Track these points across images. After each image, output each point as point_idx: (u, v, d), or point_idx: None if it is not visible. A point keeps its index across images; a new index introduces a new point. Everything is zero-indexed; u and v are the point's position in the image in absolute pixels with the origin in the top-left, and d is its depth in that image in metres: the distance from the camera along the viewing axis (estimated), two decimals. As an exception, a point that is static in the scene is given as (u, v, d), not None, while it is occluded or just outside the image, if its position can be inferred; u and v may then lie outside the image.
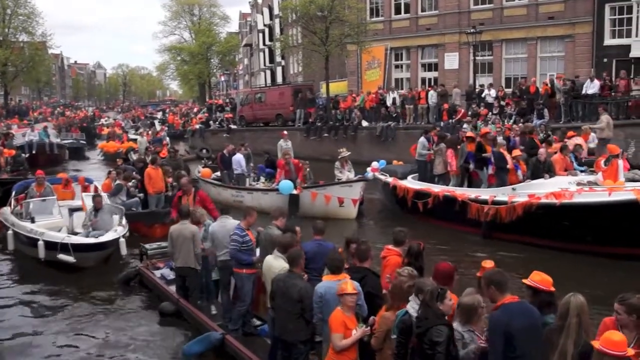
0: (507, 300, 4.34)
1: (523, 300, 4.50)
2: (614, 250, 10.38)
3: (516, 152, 13.10)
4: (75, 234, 11.52)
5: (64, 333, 8.30)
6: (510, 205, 11.53)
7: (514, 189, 12.03)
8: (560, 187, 11.17)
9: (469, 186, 13.42)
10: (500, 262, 9.58)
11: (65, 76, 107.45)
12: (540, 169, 12.10)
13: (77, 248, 10.41)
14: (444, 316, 4.49)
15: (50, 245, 10.57)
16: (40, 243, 10.65)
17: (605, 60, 23.98)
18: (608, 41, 24.12)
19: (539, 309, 4.47)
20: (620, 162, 11.24)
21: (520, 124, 18.44)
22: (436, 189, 13.56)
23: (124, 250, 10.80)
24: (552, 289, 4.61)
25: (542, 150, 12.59)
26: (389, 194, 15.34)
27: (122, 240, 10.76)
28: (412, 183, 14.58)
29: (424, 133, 15.92)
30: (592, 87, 20.57)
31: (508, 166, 12.64)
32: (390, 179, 15.08)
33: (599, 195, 10.60)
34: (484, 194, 12.46)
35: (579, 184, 11.33)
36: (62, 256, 10.35)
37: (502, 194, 12.03)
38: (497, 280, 4.44)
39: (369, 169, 16.21)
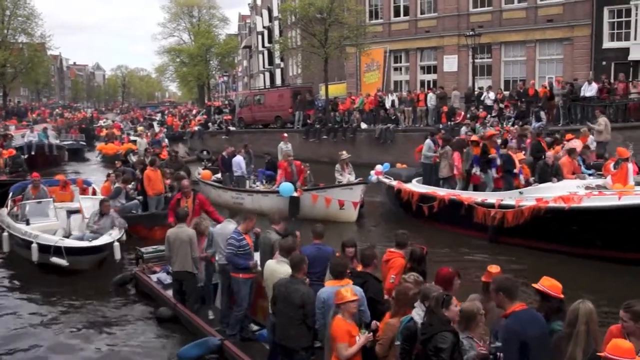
0: (517, 308, 4.28)
1: (530, 307, 4.44)
2: (624, 255, 10.21)
3: (520, 156, 13.00)
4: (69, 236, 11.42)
5: (58, 338, 8.19)
6: (518, 209, 11.38)
7: (521, 192, 11.90)
8: (568, 191, 11.03)
9: (474, 190, 13.30)
10: (507, 267, 9.41)
11: (64, 77, 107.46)
12: (547, 173, 11.97)
13: (71, 251, 10.31)
14: (449, 322, 4.43)
15: (44, 248, 10.49)
16: (34, 246, 10.57)
17: (603, 63, 24.00)
18: (607, 44, 24.16)
19: (547, 315, 4.42)
20: (630, 165, 11.13)
21: (517, 126, 18.47)
22: (441, 192, 13.41)
23: (118, 255, 10.69)
24: (562, 295, 4.55)
25: (549, 154, 12.44)
26: (393, 198, 15.19)
27: (116, 244, 10.66)
28: (417, 186, 14.44)
29: (430, 135, 15.80)
30: (589, 90, 20.58)
31: (515, 170, 12.50)
32: (394, 183, 14.92)
33: (609, 199, 10.43)
34: (490, 197, 12.31)
35: (587, 187, 11.18)
36: (54, 259, 10.27)
37: (509, 198, 11.90)
38: (506, 287, 4.36)
39: (372, 172, 16.09)
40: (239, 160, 17.16)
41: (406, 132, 25.16)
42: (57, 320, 8.85)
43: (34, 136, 27.31)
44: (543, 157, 12.80)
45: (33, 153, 25.63)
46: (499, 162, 12.88)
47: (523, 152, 14.33)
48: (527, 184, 12.50)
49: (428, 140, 15.24)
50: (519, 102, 22.48)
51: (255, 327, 7.51)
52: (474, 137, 14.48)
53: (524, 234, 11.41)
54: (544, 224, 11.06)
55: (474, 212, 12.23)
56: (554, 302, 4.50)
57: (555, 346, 4.11)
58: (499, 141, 14.53)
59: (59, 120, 45.13)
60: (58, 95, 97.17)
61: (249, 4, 70.06)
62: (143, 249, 10.31)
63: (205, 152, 28.29)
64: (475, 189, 13.35)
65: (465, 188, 13.44)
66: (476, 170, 13.27)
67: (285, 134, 21.51)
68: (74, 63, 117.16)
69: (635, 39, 22.81)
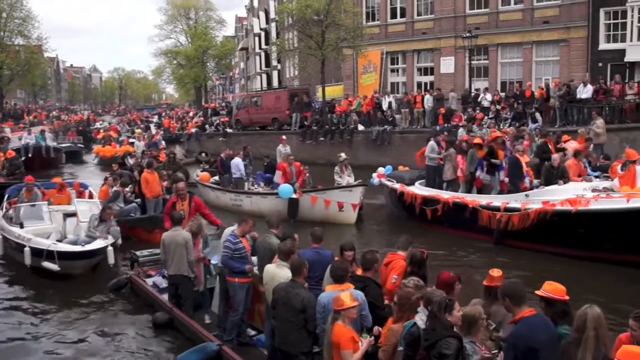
0: (526, 313, 4.23)
1: (538, 312, 4.39)
2: (633, 258, 10.05)
3: (526, 158, 12.85)
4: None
5: (50, 346, 8.03)
6: (524, 212, 11.27)
7: (527, 195, 11.77)
8: (575, 194, 10.91)
9: (478, 193, 13.16)
10: (513, 270, 9.42)
11: (61, 79, 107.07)
12: (553, 175, 11.81)
13: (64, 256, 10.21)
14: (452, 328, 4.37)
15: (37, 252, 10.39)
16: (27, 249, 10.48)
17: (600, 64, 24.06)
18: (603, 45, 24.21)
19: (553, 319, 4.37)
20: (638, 167, 11.03)
21: (510, 128, 18.47)
22: (445, 195, 13.27)
23: (111, 259, 10.59)
24: (567, 297, 4.50)
25: (555, 156, 12.26)
26: (396, 201, 14.99)
27: (110, 249, 10.57)
28: (420, 189, 14.27)
29: (433, 137, 15.64)
30: (585, 92, 20.63)
31: (523, 172, 12.25)
32: (397, 185, 14.74)
33: (617, 202, 10.31)
34: (495, 200, 12.19)
35: (594, 190, 11.06)
36: (46, 264, 10.18)
37: (514, 201, 11.78)
38: (513, 292, 4.31)
39: (374, 174, 15.94)
40: (237, 163, 17.18)
41: (403, 133, 25.22)
42: (50, 327, 8.66)
43: (31, 138, 27.27)
44: (549, 158, 12.56)
45: (30, 155, 25.62)
46: (504, 164, 12.74)
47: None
48: (531, 186, 12.34)
49: (432, 142, 15.00)
50: (515, 104, 22.54)
51: (252, 332, 7.44)
52: (478, 140, 14.24)
53: (530, 237, 11.29)
54: (551, 227, 10.94)
55: (479, 215, 12.12)
56: (559, 306, 4.45)
57: (564, 352, 4.06)
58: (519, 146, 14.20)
59: (55, 122, 45.04)
60: (55, 98, 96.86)
61: (245, 6, 70.05)
62: (138, 253, 10.17)
63: (203, 154, 28.26)
64: (479, 191, 13.24)
65: (468, 191, 13.30)
66: (480, 173, 13.12)
67: (284, 137, 21.54)
68: (71, 65, 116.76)
69: (631, 40, 22.86)
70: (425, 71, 30.92)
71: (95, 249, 10.43)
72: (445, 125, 22.86)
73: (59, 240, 11.10)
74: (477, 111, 22.93)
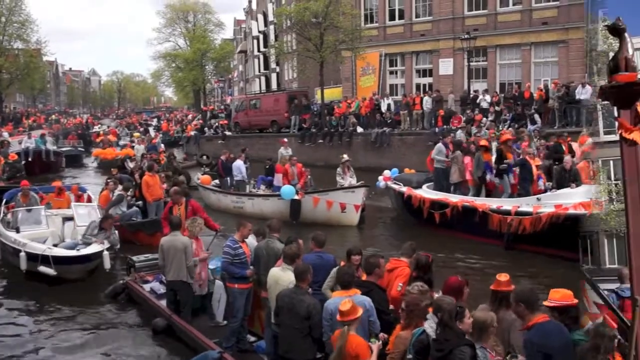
0: (540, 319, 4.18)
1: (552, 319, 4.33)
2: None
3: (537, 162, 12.67)
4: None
5: (48, 352, 7.93)
6: (536, 216, 11.08)
7: (538, 199, 11.59)
8: (588, 197, 10.50)
9: (487, 196, 12.97)
10: (524, 276, 9.37)
11: (60, 83, 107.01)
12: (566, 178, 11.61)
13: (59, 260, 10.14)
14: (464, 335, 4.29)
15: (32, 257, 10.32)
16: (22, 254, 10.41)
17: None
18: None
19: (567, 325, 4.32)
20: None
21: (509, 129, 18.42)
22: (454, 199, 13.05)
23: (107, 264, 10.52)
24: (575, 300, 4.45)
25: (567, 158, 12.02)
26: (402, 204, 14.79)
27: (105, 253, 10.51)
28: (428, 193, 14.05)
29: (441, 139, 15.49)
30: (584, 93, 20.60)
31: (534, 176, 12.05)
32: (404, 189, 14.52)
33: None
34: (506, 204, 12.03)
35: None
36: (42, 268, 10.11)
37: (526, 205, 11.60)
38: (528, 298, 4.27)
39: (380, 177, 15.79)
40: (239, 165, 17.19)
41: (402, 135, 25.23)
42: (45, 335, 8.52)
43: (31, 142, 27.30)
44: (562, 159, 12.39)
45: (30, 159, 25.65)
46: (513, 167, 12.59)
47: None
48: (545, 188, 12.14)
49: (439, 144, 14.83)
50: (514, 105, 22.52)
51: (252, 338, 7.36)
52: (484, 142, 13.99)
53: (542, 242, 11.11)
54: (563, 232, 10.68)
55: (489, 219, 11.95)
56: (572, 311, 4.41)
57: (582, 358, 4.01)
58: (531, 149, 13.81)
59: (54, 126, 45.03)
60: (54, 101, 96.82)
61: (244, 9, 70.12)
62: (135, 258, 10.07)
63: (204, 157, 28.26)
64: (488, 195, 13.07)
65: (477, 194, 13.13)
66: (491, 177, 12.93)
67: (285, 139, 21.54)
68: (70, 69, 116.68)
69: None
70: (424, 73, 30.90)
71: (90, 253, 10.36)
72: (444, 127, 22.83)
73: (55, 245, 11.02)
74: (476, 113, 22.91)
